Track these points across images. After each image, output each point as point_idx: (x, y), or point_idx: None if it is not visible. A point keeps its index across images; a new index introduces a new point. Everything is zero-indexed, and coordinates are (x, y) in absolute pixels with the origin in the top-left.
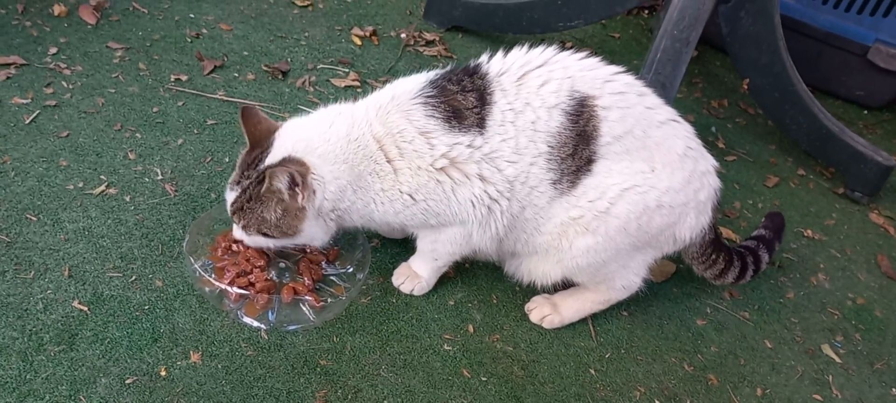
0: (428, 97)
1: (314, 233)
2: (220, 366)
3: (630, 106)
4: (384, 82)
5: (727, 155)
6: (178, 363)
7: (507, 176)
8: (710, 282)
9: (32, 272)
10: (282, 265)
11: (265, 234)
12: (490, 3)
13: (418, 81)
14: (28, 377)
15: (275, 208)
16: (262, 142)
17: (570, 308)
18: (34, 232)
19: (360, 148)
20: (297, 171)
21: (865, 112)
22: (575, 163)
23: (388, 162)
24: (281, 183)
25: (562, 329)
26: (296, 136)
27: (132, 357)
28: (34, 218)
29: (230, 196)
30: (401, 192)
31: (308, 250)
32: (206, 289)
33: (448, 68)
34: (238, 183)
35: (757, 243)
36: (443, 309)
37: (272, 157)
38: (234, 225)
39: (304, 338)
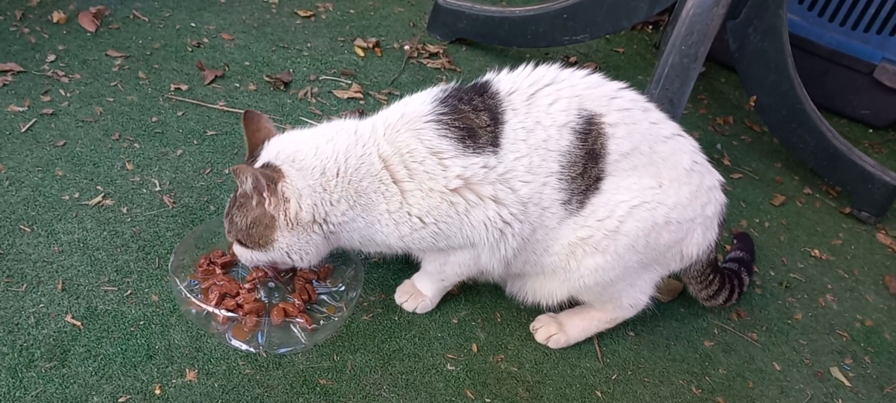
0: (440, 116)
1: (289, 247)
2: (216, 385)
3: (636, 122)
4: (387, 94)
5: (733, 172)
6: (174, 381)
7: (521, 196)
8: (702, 303)
9: (25, 285)
10: (271, 285)
11: (240, 242)
12: (495, 15)
13: (428, 99)
14: (17, 394)
15: (247, 214)
16: (255, 148)
17: (577, 327)
18: (27, 244)
19: (363, 165)
20: (262, 175)
21: (870, 131)
22: (584, 183)
23: (395, 183)
24: (245, 185)
25: (567, 349)
26: (283, 145)
27: (126, 374)
28: (28, 230)
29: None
30: (410, 215)
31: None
32: (193, 311)
33: (455, 85)
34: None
35: (738, 266)
36: (446, 327)
37: (257, 164)
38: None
39: (303, 357)
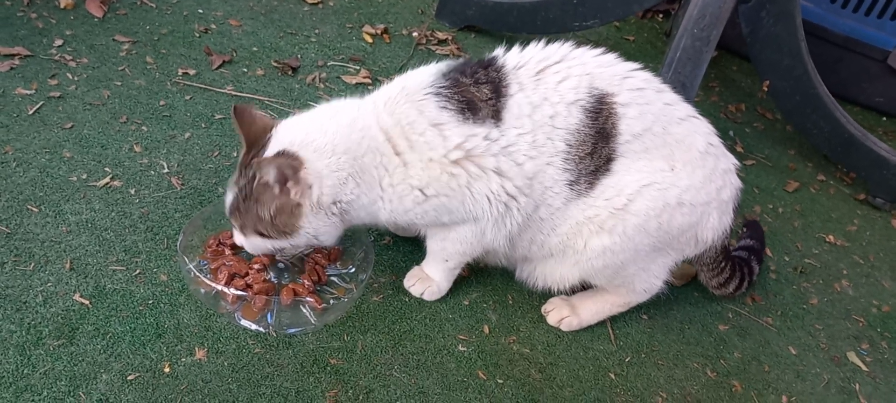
0: (440, 88)
1: (316, 230)
2: (226, 364)
3: (649, 102)
4: None
5: (746, 159)
6: (183, 359)
7: (525, 171)
8: (711, 291)
9: (32, 264)
10: (281, 265)
11: (262, 234)
12: (504, 2)
13: (430, 73)
14: (25, 372)
15: (269, 205)
16: (258, 140)
17: (589, 310)
18: (35, 224)
19: (365, 139)
20: (287, 165)
21: (884, 118)
22: (594, 163)
23: (397, 154)
24: (269, 177)
25: (580, 331)
26: (292, 131)
27: (134, 352)
28: (36, 210)
29: (228, 197)
30: (411, 187)
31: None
32: (202, 291)
33: (460, 61)
34: (236, 183)
35: (748, 254)
36: (457, 308)
37: (267, 154)
38: (234, 230)
39: (313, 336)
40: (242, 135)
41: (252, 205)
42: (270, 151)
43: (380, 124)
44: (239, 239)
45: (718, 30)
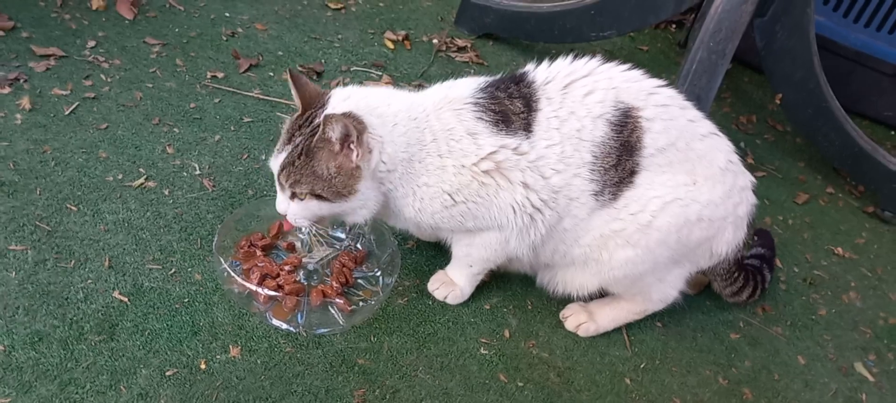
0: (478, 100)
1: (366, 200)
2: (259, 361)
3: (673, 118)
4: (417, 86)
5: (756, 171)
6: (218, 356)
7: (552, 184)
8: (725, 300)
9: (73, 261)
10: (310, 267)
11: (319, 196)
12: (522, 11)
13: (470, 85)
14: (69, 365)
15: (328, 163)
16: (313, 102)
17: (606, 316)
18: (74, 222)
19: (418, 131)
20: (354, 126)
21: (893, 132)
22: (618, 175)
23: (439, 157)
24: (334, 133)
25: (596, 337)
26: (356, 96)
27: (172, 349)
28: (74, 209)
29: (277, 159)
30: (442, 190)
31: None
32: (235, 290)
33: (497, 76)
34: (288, 142)
35: (760, 262)
36: (479, 313)
37: (330, 111)
38: (279, 196)
39: (341, 337)
40: (298, 96)
41: (308, 163)
42: (333, 109)
43: (429, 125)
44: (283, 204)
45: (734, 43)
